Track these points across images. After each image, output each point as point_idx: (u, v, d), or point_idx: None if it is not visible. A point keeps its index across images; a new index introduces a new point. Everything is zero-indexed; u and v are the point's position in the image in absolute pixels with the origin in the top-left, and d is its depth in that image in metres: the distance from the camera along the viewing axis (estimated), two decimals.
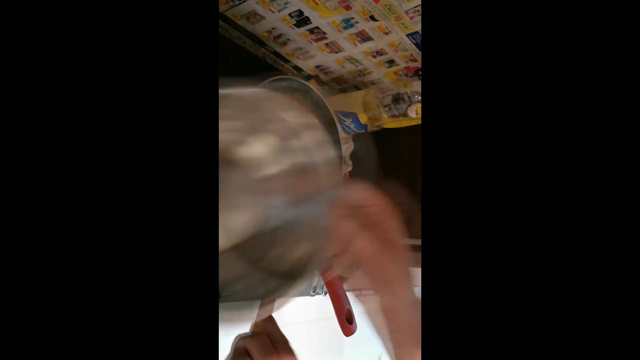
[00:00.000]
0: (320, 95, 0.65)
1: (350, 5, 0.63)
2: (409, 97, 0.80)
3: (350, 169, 0.94)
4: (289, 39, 0.77)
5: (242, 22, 0.73)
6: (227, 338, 0.29)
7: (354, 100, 0.88)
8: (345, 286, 0.49)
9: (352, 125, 0.88)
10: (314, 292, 0.91)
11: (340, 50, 0.79)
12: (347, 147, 0.95)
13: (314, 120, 0.34)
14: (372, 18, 0.67)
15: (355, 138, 0.91)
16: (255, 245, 0.33)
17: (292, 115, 0.33)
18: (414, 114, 0.81)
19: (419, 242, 0.24)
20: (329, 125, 0.70)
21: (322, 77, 0.92)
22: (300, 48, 0.80)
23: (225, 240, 0.32)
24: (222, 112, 0.26)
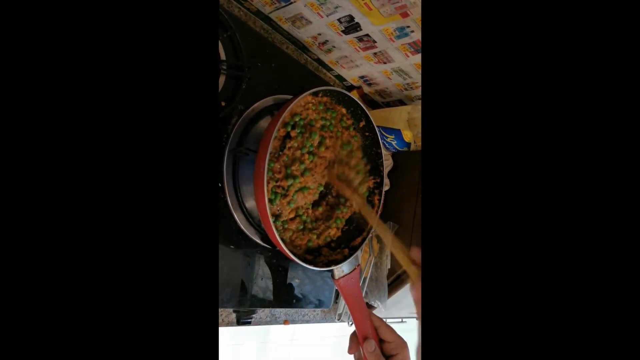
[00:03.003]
0: (365, 109, 0.59)
1: (409, 12, 0.57)
2: None
3: (388, 187, 0.87)
4: (334, 46, 0.72)
5: (286, 27, 0.68)
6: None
7: (398, 116, 0.81)
8: None
9: (394, 143, 0.81)
10: (339, 319, 0.84)
11: (389, 61, 0.72)
12: (387, 165, 0.89)
13: None
14: None
15: (396, 156, 0.84)
16: None
17: None
18: None
19: None
20: (371, 141, 0.64)
21: (365, 88, 0.86)
22: (346, 56, 0.74)
23: None
24: None
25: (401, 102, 0.89)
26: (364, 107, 0.59)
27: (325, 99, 0.57)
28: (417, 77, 0.76)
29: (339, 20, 0.63)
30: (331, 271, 0.64)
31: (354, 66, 0.78)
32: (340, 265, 0.57)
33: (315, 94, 0.56)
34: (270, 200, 0.47)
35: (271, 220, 0.45)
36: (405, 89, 0.82)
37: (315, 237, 0.55)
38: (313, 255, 0.54)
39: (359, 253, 0.63)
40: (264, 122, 0.57)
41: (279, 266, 0.60)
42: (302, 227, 0.53)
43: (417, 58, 0.70)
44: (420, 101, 0.86)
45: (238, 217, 0.53)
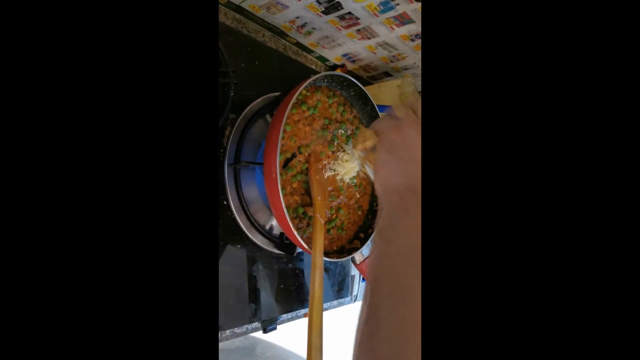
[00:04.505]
0: (363, 88, 0.57)
1: None
2: None
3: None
4: (314, 28, 0.67)
5: (261, 14, 0.63)
6: None
7: (388, 91, 0.78)
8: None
9: None
10: (354, 300, 0.86)
11: (374, 36, 0.68)
12: None
13: None
14: None
15: None
16: None
17: None
18: None
19: None
20: (370, 118, 0.61)
21: (349, 65, 0.82)
22: (327, 37, 0.70)
23: None
24: None
25: (387, 74, 0.86)
26: (364, 89, 0.57)
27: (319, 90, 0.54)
28: (403, 48, 0.73)
29: (317, 1, 0.58)
30: (352, 258, 0.64)
31: (336, 45, 0.73)
32: (360, 250, 0.57)
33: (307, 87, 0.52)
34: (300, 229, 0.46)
35: (297, 234, 0.43)
36: (391, 61, 0.79)
37: (344, 234, 0.54)
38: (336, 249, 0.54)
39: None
40: (257, 128, 0.53)
41: (296, 269, 0.59)
42: (337, 231, 0.53)
43: (403, 30, 0.66)
44: (406, 71, 0.83)
45: (251, 234, 0.51)
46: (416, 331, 0.22)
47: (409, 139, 0.31)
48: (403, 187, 0.30)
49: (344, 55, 0.77)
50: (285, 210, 0.43)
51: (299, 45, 0.74)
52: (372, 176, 0.38)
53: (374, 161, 0.36)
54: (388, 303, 0.26)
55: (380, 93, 0.79)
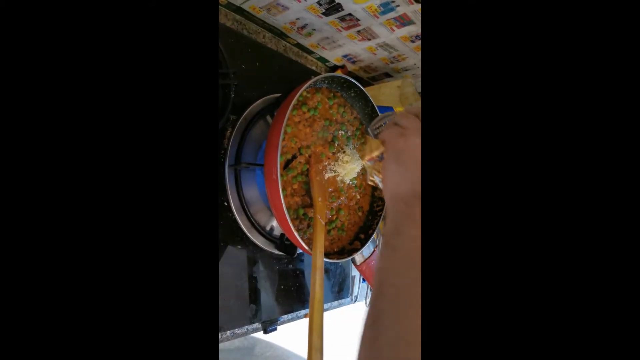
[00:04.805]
0: (364, 89, 0.57)
1: None
2: None
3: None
4: (314, 29, 0.67)
5: (261, 15, 0.63)
6: None
7: (388, 92, 0.78)
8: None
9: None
10: (354, 301, 0.86)
11: (374, 37, 0.69)
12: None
13: None
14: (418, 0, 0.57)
15: None
16: None
17: None
18: None
19: None
20: (370, 119, 0.61)
21: (349, 66, 0.82)
22: (327, 38, 0.70)
23: None
24: None
25: (387, 75, 0.86)
26: (364, 90, 0.57)
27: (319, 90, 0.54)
28: (403, 49, 0.73)
29: (318, 2, 0.58)
30: (353, 259, 0.64)
31: (337, 46, 0.73)
32: (360, 251, 0.57)
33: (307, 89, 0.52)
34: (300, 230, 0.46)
35: (298, 235, 0.43)
36: (392, 62, 0.79)
37: (344, 234, 0.54)
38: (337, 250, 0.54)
39: (374, 236, 0.62)
40: (258, 129, 0.53)
41: (296, 270, 0.59)
42: (338, 232, 0.53)
43: (403, 31, 0.66)
44: (406, 72, 0.83)
45: (252, 235, 0.51)
46: (418, 337, 0.23)
47: (415, 147, 0.32)
48: (409, 194, 0.30)
49: (344, 56, 0.77)
50: (285, 212, 0.43)
51: (299, 46, 0.74)
52: (380, 185, 0.38)
53: (382, 170, 0.37)
54: (391, 309, 0.26)
55: (380, 94, 0.79)
